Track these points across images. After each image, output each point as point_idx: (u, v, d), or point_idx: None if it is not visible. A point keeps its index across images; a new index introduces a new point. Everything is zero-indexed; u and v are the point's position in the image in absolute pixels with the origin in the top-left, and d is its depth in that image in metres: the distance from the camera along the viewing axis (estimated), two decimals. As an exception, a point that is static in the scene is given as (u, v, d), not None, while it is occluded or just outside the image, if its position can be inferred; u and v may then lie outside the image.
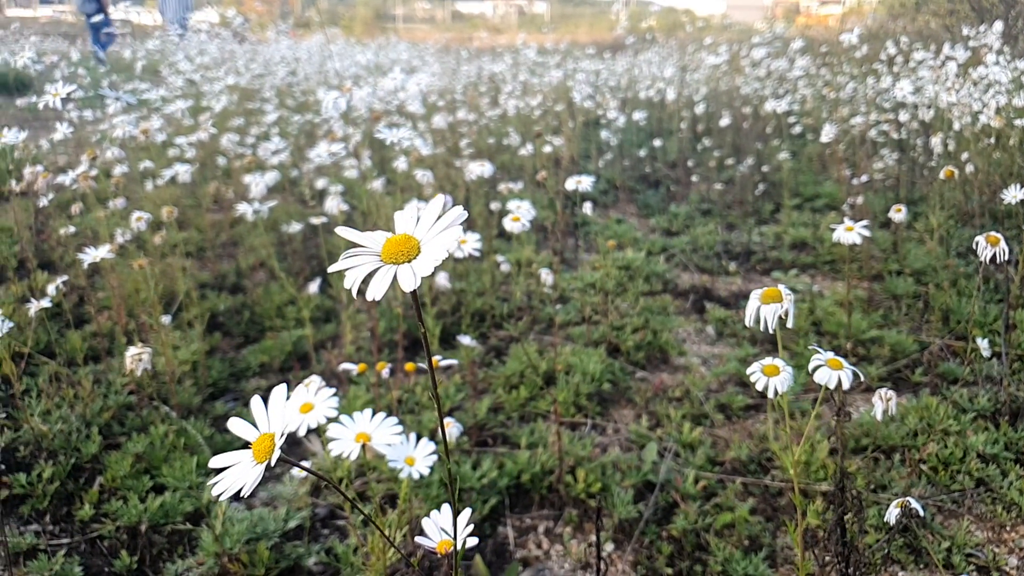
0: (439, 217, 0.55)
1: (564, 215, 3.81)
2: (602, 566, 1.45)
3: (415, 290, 0.52)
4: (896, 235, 3.35)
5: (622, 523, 1.68)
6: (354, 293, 0.54)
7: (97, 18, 9.14)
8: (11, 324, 1.92)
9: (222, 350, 2.60)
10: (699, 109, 5.92)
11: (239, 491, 0.60)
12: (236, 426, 0.66)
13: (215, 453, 1.96)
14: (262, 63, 7.42)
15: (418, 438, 1.04)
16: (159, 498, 1.69)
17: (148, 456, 1.83)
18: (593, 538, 1.68)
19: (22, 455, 1.90)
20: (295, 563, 1.55)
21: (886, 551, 1.08)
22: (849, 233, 1.67)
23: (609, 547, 1.65)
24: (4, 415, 2.05)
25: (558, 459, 1.79)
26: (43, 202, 2.64)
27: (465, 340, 1.85)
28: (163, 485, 1.77)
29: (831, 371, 0.98)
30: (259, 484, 1.87)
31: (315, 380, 0.98)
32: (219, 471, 0.65)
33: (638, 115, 5.66)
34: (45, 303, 1.85)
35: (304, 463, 1.33)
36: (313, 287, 2.40)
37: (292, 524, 1.62)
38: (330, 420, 0.92)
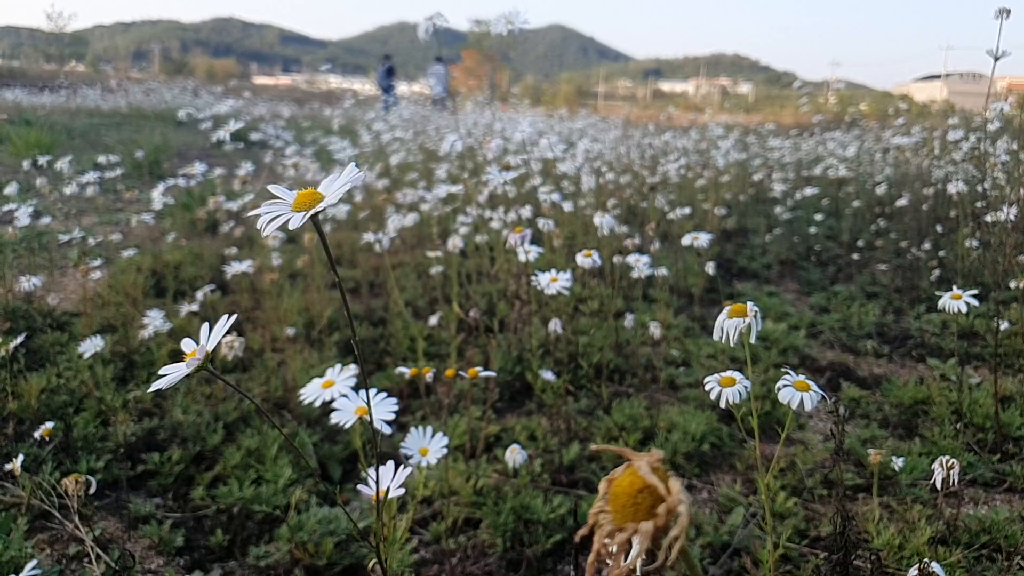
0: (344, 181, 0.65)
1: (707, 282, 3.77)
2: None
3: (322, 232, 0.63)
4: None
5: (683, 577, 1.63)
6: (262, 233, 0.64)
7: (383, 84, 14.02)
8: (170, 324, 2.21)
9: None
10: (880, 190, 5.64)
11: (164, 383, 0.70)
12: (185, 344, 0.77)
13: (321, 460, 2.12)
14: (452, 129, 7.96)
15: (432, 433, 1.11)
16: (256, 488, 1.86)
17: (258, 451, 2.02)
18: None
19: (161, 438, 2.16)
20: (358, 562, 1.65)
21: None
22: (956, 302, 1.56)
23: (666, 600, 1.60)
24: (154, 404, 2.34)
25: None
26: (225, 228, 3.02)
27: (547, 375, 1.90)
28: (263, 478, 1.94)
29: (795, 392, 0.94)
30: (352, 494, 1.98)
31: (351, 368, 1.08)
32: (161, 377, 0.74)
33: (810, 191, 5.49)
34: (194, 307, 2.11)
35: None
36: (433, 320, 2.54)
37: (361, 525, 1.72)
38: (342, 395, 1.02)
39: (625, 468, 0.43)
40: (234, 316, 0.74)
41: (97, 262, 2.87)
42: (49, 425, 1.72)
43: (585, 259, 1.80)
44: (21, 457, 1.67)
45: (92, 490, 1.48)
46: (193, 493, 1.93)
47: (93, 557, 1.44)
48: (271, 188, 0.68)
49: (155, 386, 0.71)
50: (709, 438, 2.23)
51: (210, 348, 0.71)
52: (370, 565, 1.06)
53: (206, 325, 0.75)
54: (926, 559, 1.01)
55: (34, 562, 1.44)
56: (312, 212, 0.63)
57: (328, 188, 0.65)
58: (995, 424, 2.30)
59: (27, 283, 2.51)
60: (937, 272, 4.27)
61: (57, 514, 1.75)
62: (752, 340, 0.97)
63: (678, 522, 0.39)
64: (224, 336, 1.76)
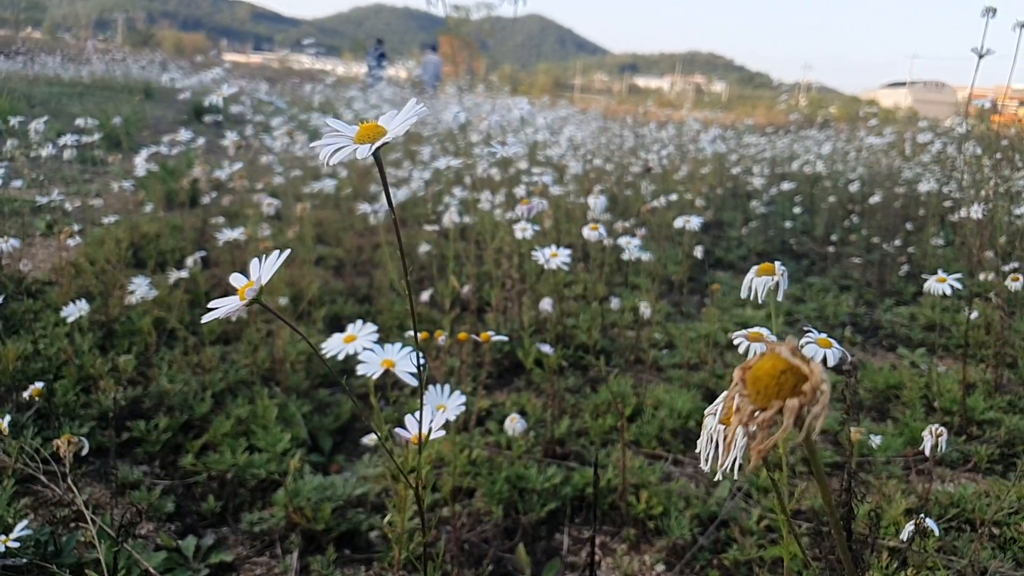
0: (407, 115, 0.66)
1: (688, 270, 3.81)
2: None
3: (382, 164, 0.64)
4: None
5: (676, 546, 1.67)
6: (325, 162, 0.65)
7: (372, 65, 13.53)
8: (155, 292, 2.18)
9: (338, 349, 2.79)
10: (853, 187, 5.75)
11: (220, 314, 0.70)
12: (235, 279, 0.76)
13: (311, 431, 2.11)
14: (433, 112, 7.94)
15: (450, 391, 1.12)
16: (250, 456, 1.85)
17: (249, 421, 2.01)
18: (647, 558, 1.67)
19: (146, 407, 2.14)
20: (355, 528, 1.65)
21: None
22: (941, 284, 1.63)
23: (660, 568, 1.63)
24: (139, 373, 2.31)
25: (622, 478, 1.80)
26: (206, 199, 2.98)
27: (545, 348, 1.92)
28: (256, 447, 1.93)
29: (819, 348, 0.98)
30: (348, 464, 1.97)
31: (369, 326, 1.09)
32: (214, 310, 0.74)
33: (787, 185, 5.58)
34: (183, 274, 2.09)
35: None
36: (424, 296, 2.54)
37: (358, 492, 1.73)
38: (365, 349, 1.02)
39: (761, 357, 0.46)
40: (288, 252, 0.74)
41: (76, 227, 2.82)
42: (38, 385, 1.69)
43: (592, 232, 1.82)
44: (8, 418, 1.64)
45: (85, 451, 1.46)
46: (182, 461, 1.91)
47: (88, 518, 1.43)
48: (330, 121, 0.68)
49: (209, 317, 0.71)
50: (695, 416, 2.27)
51: (264, 281, 0.72)
52: (386, 519, 1.07)
53: (256, 260, 0.75)
54: (922, 515, 1.06)
55: (25, 522, 1.42)
56: (379, 144, 0.63)
57: (390, 122, 0.66)
58: (961, 408, 2.39)
59: (4, 244, 2.44)
60: (906, 267, 4.38)
61: (43, 478, 1.72)
62: (779, 298, 1.00)
63: (820, 399, 0.42)
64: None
